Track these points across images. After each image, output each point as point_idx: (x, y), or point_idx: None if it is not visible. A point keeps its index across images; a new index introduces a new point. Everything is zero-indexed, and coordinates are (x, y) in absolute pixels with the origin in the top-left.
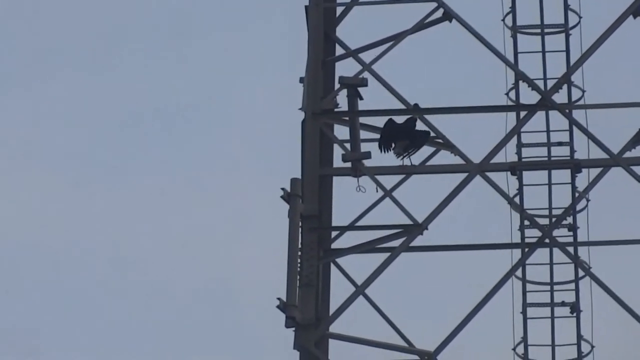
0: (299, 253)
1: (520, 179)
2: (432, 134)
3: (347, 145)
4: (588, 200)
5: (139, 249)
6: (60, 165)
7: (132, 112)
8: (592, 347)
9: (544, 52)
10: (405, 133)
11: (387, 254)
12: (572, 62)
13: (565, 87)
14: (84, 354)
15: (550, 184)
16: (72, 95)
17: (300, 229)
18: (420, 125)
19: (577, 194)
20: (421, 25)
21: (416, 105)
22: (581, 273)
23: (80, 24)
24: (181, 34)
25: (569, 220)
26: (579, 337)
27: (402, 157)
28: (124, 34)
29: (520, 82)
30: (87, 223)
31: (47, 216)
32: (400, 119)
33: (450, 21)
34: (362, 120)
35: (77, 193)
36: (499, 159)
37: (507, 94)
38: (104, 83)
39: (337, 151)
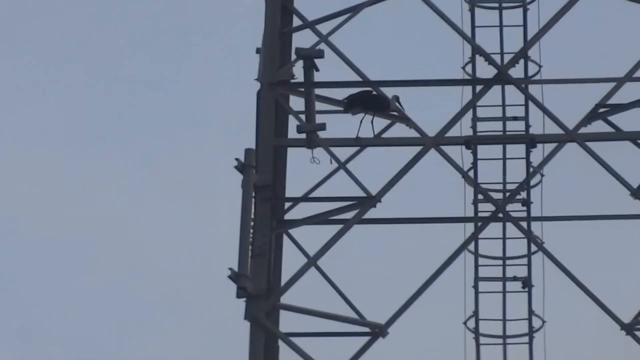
0: (252, 223)
1: (474, 153)
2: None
3: (303, 117)
4: (542, 176)
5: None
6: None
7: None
8: (544, 322)
9: (501, 26)
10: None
11: (340, 226)
12: (529, 37)
13: (522, 62)
14: None
15: (504, 159)
16: None
17: (253, 200)
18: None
19: (531, 169)
20: None
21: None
22: (534, 248)
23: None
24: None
25: (523, 195)
26: (530, 312)
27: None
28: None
29: (477, 56)
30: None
31: None
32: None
33: None
34: (318, 92)
35: None
36: (454, 132)
37: (463, 67)
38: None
39: (292, 122)
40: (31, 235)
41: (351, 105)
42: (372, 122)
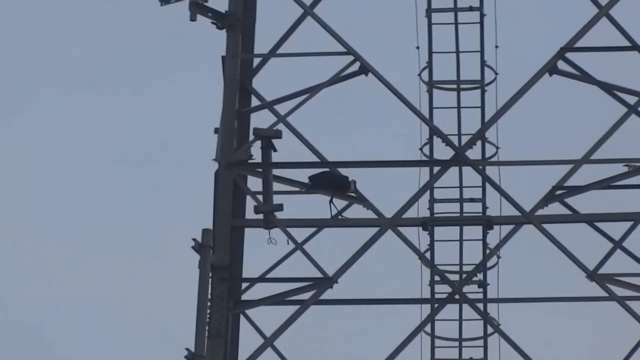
0: (209, 304)
1: (431, 235)
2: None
3: (260, 197)
4: (499, 257)
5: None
6: None
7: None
8: None
9: (459, 107)
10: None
11: (297, 307)
12: (487, 118)
13: (479, 143)
14: None
15: (461, 240)
16: None
17: (210, 280)
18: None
19: (488, 251)
20: (337, 78)
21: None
22: (490, 330)
23: None
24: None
25: (479, 276)
26: None
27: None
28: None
29: (435, 137)
30: None
31: None
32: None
33: (367, 75)
34: (276, 172)
35: None
36: (411, 214)
37: (421, 149)
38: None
39: (250, 202)
40: None
41: (313, 185)
42: (330, 203)
